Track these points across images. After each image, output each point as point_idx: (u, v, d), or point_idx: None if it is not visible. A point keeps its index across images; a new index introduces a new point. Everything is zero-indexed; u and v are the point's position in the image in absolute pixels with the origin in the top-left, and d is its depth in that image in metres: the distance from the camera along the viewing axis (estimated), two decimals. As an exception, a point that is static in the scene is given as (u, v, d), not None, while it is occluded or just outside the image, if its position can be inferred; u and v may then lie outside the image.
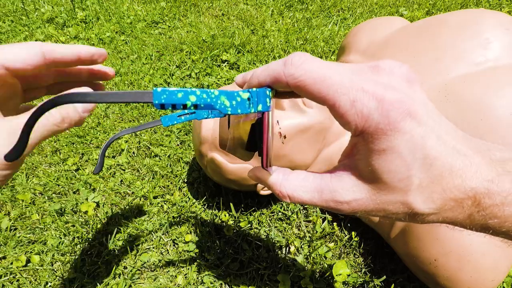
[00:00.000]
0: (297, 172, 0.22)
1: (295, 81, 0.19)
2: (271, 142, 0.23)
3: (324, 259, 0.64)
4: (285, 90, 0.21)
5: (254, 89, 0.19)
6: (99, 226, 0.69)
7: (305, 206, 0.72)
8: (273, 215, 0.71)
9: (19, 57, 0.23)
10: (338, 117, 0.19)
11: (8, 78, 0.24)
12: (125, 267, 0.63)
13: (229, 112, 0.18)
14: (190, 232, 0.69)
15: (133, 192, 0.75)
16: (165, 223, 0.69)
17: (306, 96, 0.19)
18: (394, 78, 0.19)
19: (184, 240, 0.67)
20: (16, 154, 0.19)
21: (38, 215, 0.71)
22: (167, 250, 0.66)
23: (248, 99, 0.19)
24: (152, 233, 0.68)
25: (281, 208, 0.72)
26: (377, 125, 0.17)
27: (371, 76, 0.19)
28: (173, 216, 0.71)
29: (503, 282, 0.59)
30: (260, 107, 0.19)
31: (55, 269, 0.63)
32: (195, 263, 0.64)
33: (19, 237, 0.68)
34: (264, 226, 0.69)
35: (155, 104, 0.17)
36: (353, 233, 0.67)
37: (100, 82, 0.32)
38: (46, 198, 0.74)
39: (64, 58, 0.25)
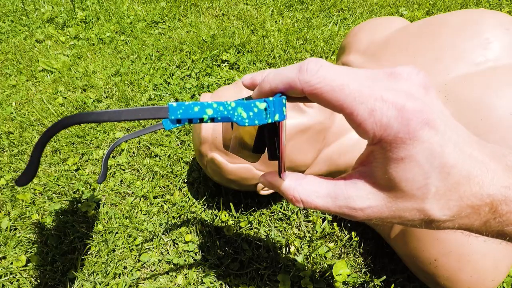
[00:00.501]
0: (310, 177, 0.22)
1: (311, 88, 0.18)
2: (285, 149, 0.23)
3: (324, 259, 0.64)
4: (297, 96, 0.21)
5: (271, 98, 0.19)
6: (99, 226, 0.69)
7: (305, 206, 0.72)
8: (273, 215, 0.71)
9: None
10: (355, 126, 0.18)
11: None
12: (125, 267, 0.63)
13: (247, 124, 0.18)
14: (190, 232, 0.69)
15: (133, 192, 0.75)
16: (165, 223, 0.69)
17: (322, 103, 0.19)
18: (412, 85, 0.18)
19: (184, 240, 0.67)
20: (27, 179, 0.18)
21: (38, 215, 0.71)
22: (167, 250, 0.66)
23: (265, 109, 0.18)
24: (152, 233, 0.68)
25: (281, 208, 0.72)
26: (396, 134, 0.17)
27: (389, 83, 0.18)
28: (173, 216, 0.71)
29: (503, 282, 0.59)
30: (277, 117, 0.19)
31: (55, 269, 0.63)
32: (195, 263, 0.64)
33: (19, 237, 0.68)
34: (264, 226, 0.69)
35: (171, 120, 0.16)
36: (353, 233, 0.67)
37: None
38: (46, 198, 0.74)
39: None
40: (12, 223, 0.70)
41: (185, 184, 0.77)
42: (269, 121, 0.18)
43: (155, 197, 0.74)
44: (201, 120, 0.17)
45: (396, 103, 0.17)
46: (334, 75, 0.18)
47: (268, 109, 0.18)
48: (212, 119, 0.17)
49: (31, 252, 0.66)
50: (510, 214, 0.18)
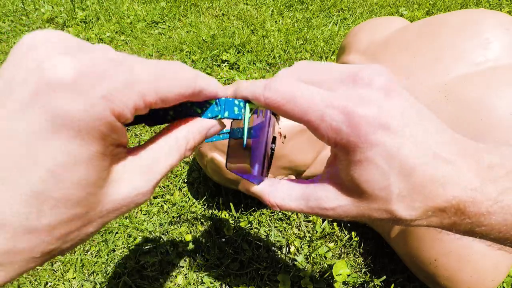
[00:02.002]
0: (283, 181, 0.24)
1: (268, 102, 0.19)
2: (263, 152, 0.24)
3: (324, 259, 0.64)
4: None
5: (223, 98, 0.20)
6: (99, 226, 0.69)
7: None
8: (273, 215, 0.71)
9: (179, 85, 0.18)
10: (314, 132, 0.19)
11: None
12: (125, 267, 0.63)
13: (202, 116, 0.20)
14: (190, 232, 0.69)
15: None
16: (165, 223, 0.69)
17: (284, 115, 0.20)
18: (371, 89, 0.18)
19: (184, 240, 0.67)
20: None
21: (38, 215, 0.71)
22: (167, 250, 0.66)
23: (216, 103, 0.20)
24: (152, 233, 0.68)
25: (281, 208, 0.72)
26: (348, 138, 0.18)
27: (346, 89, 0.19)
28: (173, 216, 0.71)
29: (503, 282, 0.59)
30: (226, 114, 0.20)
31: (55, 269, 0.63)
32: (195, 263, 0.64)
33: (19, 237, 0.68)
34: (264, 226, 0.69)
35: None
36: (353, 233, 0.67)
37: None
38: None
39: (213, 93, 0.20)
40: (12, 223, 0.70)
41: (185, 184, 0.77)
42: (219, 116, 0.20)
43: (155, 197, 0.74)
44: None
45: (344, 108, 0.17)
46: (287, 87, 0.19)
47: (218, 105, 0.20)
48: (176, 113, 0.19)
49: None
50: (479, 216, 0.17)
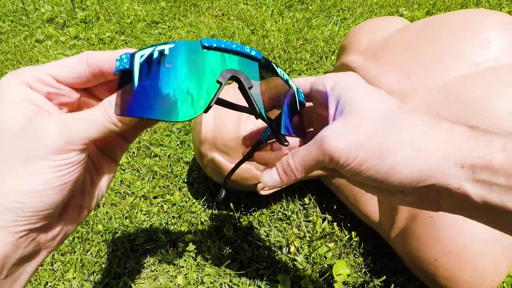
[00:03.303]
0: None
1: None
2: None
3: (324, 259, 0.64)
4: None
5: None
6: (99, 226, 0.69)
7: (305, 206, 0.72)
8: (273, 215, 0.71)
9: (63, 67, 0.21)
10: (317, 86, 0.26)
11: (65, 89, 0.22)
12: (125, 267, 0.63)
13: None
14: (190, 232, 0.69)
15: (133, 192, 0.75)
16: (165, 223, 0.69)
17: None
18: None
19: (184, 240, 0.67)
20: None
21: (38, 215, 0.71)
22: (167, 250, 0.66)
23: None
24: (152, 233, 0.68)
25: (281, 208, 0.72)
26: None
27: None
28: (173, 216, 0.71)
29: (503, 282, 0.59)
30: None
31: (55, 269, 0.63)
32: (195, 263, 0.64)
33: (19, 237, 0.68)
34: (264, 226, 0.69)
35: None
36: (353, 233, 0.67)
37: None
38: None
39: (110, 63, 0.21)
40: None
41: (185, 184, 0.77)
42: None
43: (155, 197, 0.74)
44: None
45: (336, 73, 0.26)
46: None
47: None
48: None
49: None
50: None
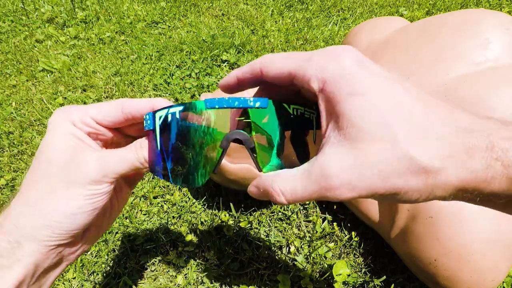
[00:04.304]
0: (285, 169, 0.22)
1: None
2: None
3: (324, 259, 0.64)
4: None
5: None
6: (99, 226, 0.69)
7: (305, 206, 0.72)
8: (273, 215, 0.71)
9: (102, 112, 0.24)
10: (300, 81, 0.19)
11: (102, 129, 0.25)
12: (125, 267, 0.63)
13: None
14: (190, 232, 0.69)
15: (133, 192, 0.75)
16: (165, 223, 0.69)
17: (273, 76, 0.21)
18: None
19: (184, 240, 0.67)
20: None
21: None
22: (167, 250, 0.66)
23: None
24: (152, 233, 0.68)
25: (281, 208, 0.72)
26: (336, 71, 0.18)
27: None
28: (173, 216, 0.71)
29: (503, 282, 0.59)
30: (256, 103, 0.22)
31: (55, 269, 0.63)
32: (195, 263, 0.64)
33: (19, 237, 0.68)
34: (264, 226, 0.69)
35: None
36: (353, 233, 0.67)
37: None
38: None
39: (140, 113, 0.24)
40: (12, 223, 0.70)
41: (185, 184, 0.77)
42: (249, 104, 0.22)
43: (155, 197, 0.74)
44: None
45: (329, 52, 0.19)
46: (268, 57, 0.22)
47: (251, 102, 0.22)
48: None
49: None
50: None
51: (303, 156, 0.24)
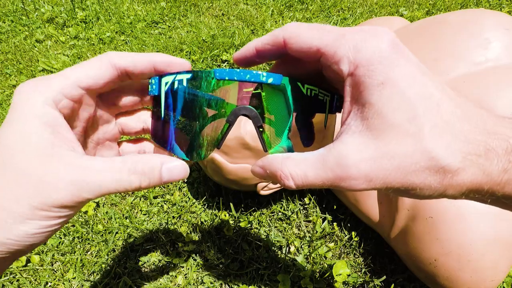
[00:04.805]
0: (296, 153, 0.21)
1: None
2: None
3: (324, 259, 0.64)
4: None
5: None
6: (99, 226, 0.69)
7: (305, 206, 0.72)
8: (273, 215, 0.71)
9: (90, 73, 0.20)
10: (329, 60, 0.17)
11: (87, 100, 0.21)
12: (125, 267, 0.63)
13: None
14: (190, 232, 0.69)
15: (133, 192, 0.75)
16: (165, 223, 0.69)
17: (300, 50, 0.19)
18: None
19: (184, 240, 0.67)
20: None
21: (38, 215, 0.71)
22: (167, 250, 0.66)
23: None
24: (152, 233, 0.68)
25: (281, 208, 0.72)
26: (371, 55, 0.16)
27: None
28: (173, 216, 0.71)
29: (503, 282, 0.59)
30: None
31: (55, 269, 0.63)
32: (195, 263, 0.64)
33: (19, 237, 0.68)
34: (264, 226, 0.69)
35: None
36: (353, 233, 0.67)
37: None
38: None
39: (137, 68, 0.21)
40: (12, 223, 0.70)
41: (185, 184, 0.77)
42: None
43: (155, 197, 0.74)
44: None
45: (361, 31, 0.17)
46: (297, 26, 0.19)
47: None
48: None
49: (31, 252, 0.66)
50: None
51: (307, 139, 0.23)
